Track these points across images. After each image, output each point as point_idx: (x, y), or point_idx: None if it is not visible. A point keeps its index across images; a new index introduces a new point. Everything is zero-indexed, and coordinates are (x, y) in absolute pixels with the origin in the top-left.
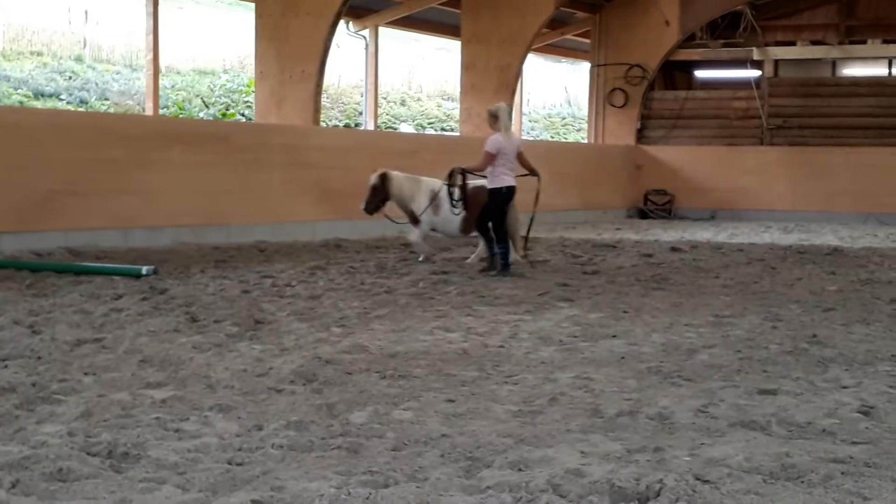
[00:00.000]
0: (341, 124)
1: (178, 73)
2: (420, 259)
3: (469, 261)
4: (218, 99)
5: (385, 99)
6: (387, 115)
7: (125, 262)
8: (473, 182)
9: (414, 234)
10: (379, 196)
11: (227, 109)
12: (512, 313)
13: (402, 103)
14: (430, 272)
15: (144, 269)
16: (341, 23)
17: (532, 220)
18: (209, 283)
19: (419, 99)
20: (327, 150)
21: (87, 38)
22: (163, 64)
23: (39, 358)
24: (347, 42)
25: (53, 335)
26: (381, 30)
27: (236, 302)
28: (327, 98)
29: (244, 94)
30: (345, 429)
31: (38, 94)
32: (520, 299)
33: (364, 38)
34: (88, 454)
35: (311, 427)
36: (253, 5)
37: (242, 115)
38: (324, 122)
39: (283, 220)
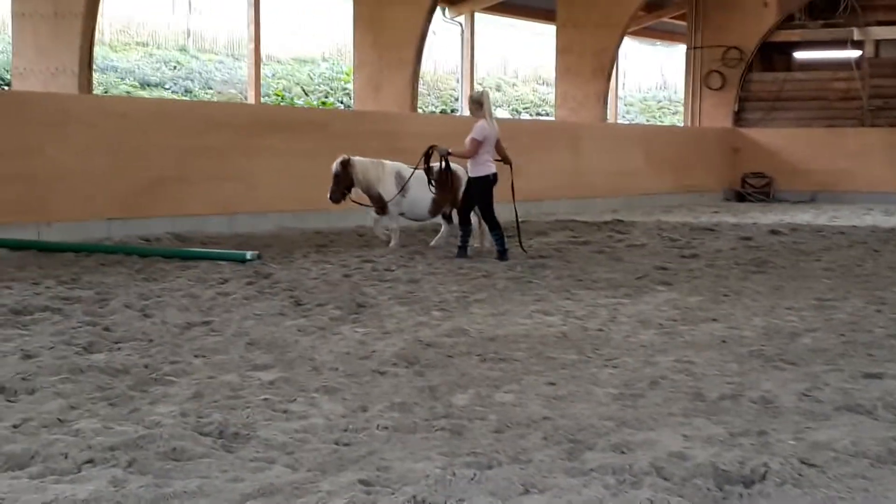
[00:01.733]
0: (437, 111)
1: (279, 61)
2: (390, 244)
3: (433, 244)
4: (317, 87)
5: (481, 85)
6: None
7: (230, 248)
8: (437, 165)
9: (384, 220)
10: (342, 184)
11: (326, 97)
12: (610, 297)
13: (498, 89)
14: (526, 256)
15: (249, 254)
16: (437, 9)
17: (515, 209)
18: (311, 267)
19: (514, 84)
20: (424, 137)
21: (191, 29)
22: (264, 53)
23: (151, 341)
24: (443, 29)
25: (164, 318)
26: (477, 16)
27: (338, 286)
28: (424, 85)
29: (343, 82)
30: (448, 411)
31: (144, 84)
32: (618, 283)
33: (460, 24)
34: (200, 434)
35: (415, 409)
36: None
37: (341, 102)
38: (420, 108)
39: None
